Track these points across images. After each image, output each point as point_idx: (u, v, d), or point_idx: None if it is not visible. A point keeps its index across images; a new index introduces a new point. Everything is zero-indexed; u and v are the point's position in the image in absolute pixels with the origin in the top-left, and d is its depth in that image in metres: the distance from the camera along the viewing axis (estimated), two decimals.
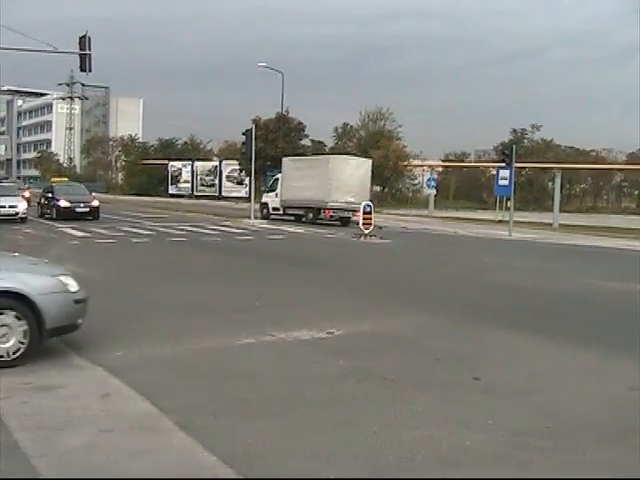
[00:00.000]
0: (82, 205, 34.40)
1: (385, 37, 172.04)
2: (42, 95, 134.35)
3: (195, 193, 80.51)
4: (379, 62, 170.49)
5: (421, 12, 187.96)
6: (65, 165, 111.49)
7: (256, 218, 37.49)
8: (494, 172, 37.43)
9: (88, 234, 25.93)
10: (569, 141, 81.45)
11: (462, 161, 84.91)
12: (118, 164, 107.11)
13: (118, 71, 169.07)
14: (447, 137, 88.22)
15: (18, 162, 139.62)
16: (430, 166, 71.37)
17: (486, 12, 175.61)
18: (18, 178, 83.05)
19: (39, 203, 37.17)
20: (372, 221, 28.70)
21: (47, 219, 33.96)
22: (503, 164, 33.47)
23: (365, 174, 36.75)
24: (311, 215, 36.21)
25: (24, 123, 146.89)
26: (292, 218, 37.51)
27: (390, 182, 71.08)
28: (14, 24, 30.60)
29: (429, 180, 55.02)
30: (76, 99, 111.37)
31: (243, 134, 41.24)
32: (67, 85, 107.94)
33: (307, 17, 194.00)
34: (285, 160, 40.47)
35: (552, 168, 47.79)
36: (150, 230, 28.82)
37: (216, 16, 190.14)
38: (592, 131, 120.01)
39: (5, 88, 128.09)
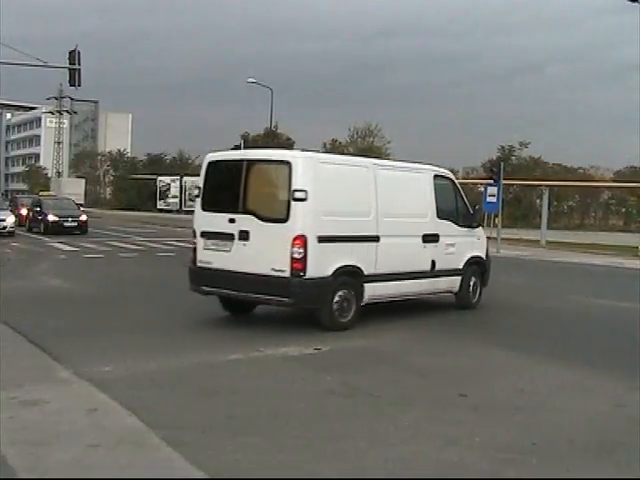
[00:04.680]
0: (70, 219, 34.38)
1: (380, 54, 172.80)
2: (31, 109, 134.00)
3: (184, 208, 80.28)
4: (371, 78, 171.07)
5: (418, 29, 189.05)
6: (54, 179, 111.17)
7: None
8: (482, 189, 37.52)
9: (76, 248, 25.89)
10: (557, 158, 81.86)
11: None
12: (106, 179, 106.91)
13: (107, 86, 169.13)
14: (435, 154, 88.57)
15: (6, 176, 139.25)
16: None
17: (483, 29, 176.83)
18: (6, 192, 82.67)
19: (27, 217, 37.10)
20: None
21: (35, 233, 33.89)
22: (491, 181, 33.60)
23: None
24: None
25: (12, 137, 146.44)
26: None
27: None
28: (3, 38, 30.64)
29: None
30: (65, 113, 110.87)
31: (232, 150, 41.27)
32: (56, 99, 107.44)
33: (304, 33, 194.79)
34: None
35: (540, 185, 47.91)
36: (138, 245, 28.80)
37: (211, 31, 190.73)
38: (579, 148, 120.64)
39: None
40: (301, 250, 10.39)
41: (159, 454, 5.44)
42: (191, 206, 78.48)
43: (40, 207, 35.75)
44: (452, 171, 15.68)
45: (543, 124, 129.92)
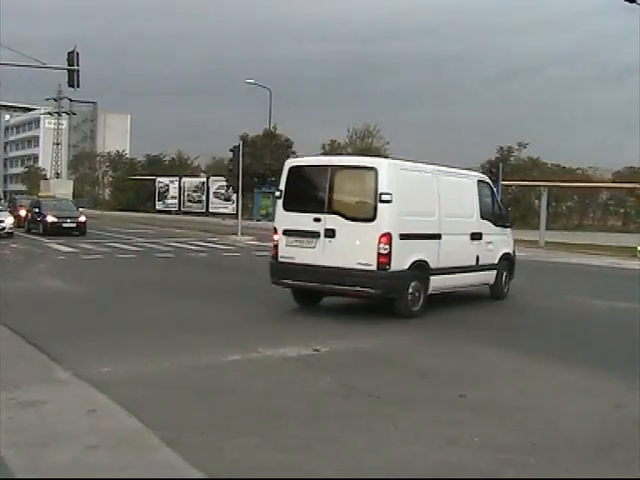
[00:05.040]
0: (69, 220, 34.38)
1: (380, 55, 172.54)
2: (30, 110, 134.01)
3: (182, 209, 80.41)
4: (372, 80, 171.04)
5: (417, 31, 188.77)
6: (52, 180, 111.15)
7: (243, 235, 37.47)
8: None
9: (75, 250, 25.88)
10: (555, 159, 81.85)
11: None
12: (105, 180, 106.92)
13: (106, 87, 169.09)
14: (435, 154, 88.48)
15: (5, 177, 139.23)
16: None
17: (483, 31, 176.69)
18: (5, 193, 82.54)
19: (26, 218, 37.11)
20: None
21: (34, 234, 33.89)
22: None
23: None
24: None
25: (11, 138, 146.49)
26: None
27: None
28: (2, 39, 30.62)
29: None
30: (64, 114, 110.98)
31: (230, 150, 41.28)
32: (55, 100, 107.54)
33: (303, 35, 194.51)
34: None
35: (538, 186, 47.89)
36: (137, 246, 28.79)
37: (210, 34, 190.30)
38: (578, 149, 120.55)
39: None
40: (386, 246, 11.76)
41: (158, 455, 5.44)
42: (190, 207, 78.93)
43: (39, 208, 35.78)
44: None
45: (542, 125, 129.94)
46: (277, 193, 13.27)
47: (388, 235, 11.78)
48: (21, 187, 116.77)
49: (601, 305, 15.70)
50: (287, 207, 12.87)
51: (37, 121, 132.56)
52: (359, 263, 11.85)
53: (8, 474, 4.94)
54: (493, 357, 9.67)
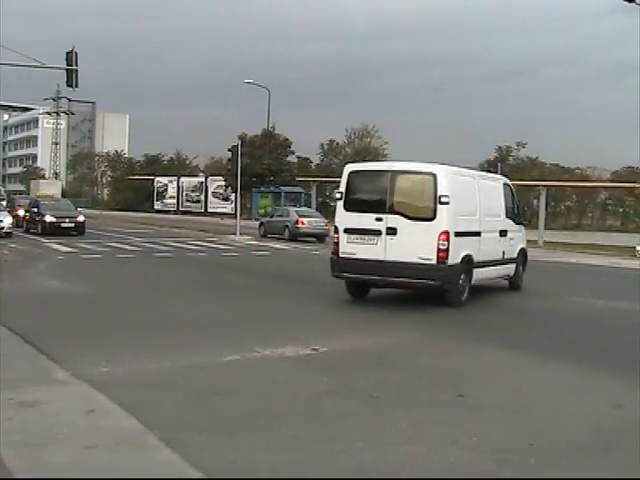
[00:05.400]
0: (68, 220, 34.35)
1: (378, 55, 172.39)
2: (28, 110, 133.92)
3: (181, 209, 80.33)
4: (370, 80, 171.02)
5: (416, 31, 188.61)
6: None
7: (241, 234, 37.47)
8: None
9: (74, 249, 25.86)
10: (554, 158, 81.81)
11: None
12: (104, 180, 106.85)
13: (105, 87, 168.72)
14: (433, 154, 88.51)
15: (3, 177, 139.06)
16: None
17: (482, 31, 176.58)
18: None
19: (24, 218, 37.09)
20: None
21: (32, 234, 33.87)
22: None
23: None
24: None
25: (10, 138, 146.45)
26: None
27: None
28: (1, 39, 30.61)
29: None
30: (62, 114, 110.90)
31: (229, 150, 41.31)
32: (53, 100, 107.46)
33: (302, 35, 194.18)
34: None
35: (537, 185, 47.93)
36: (136, 246, 28.78)
37: (209, 34, 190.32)
38: (577, 148, 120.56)
39: None
40: (445, 242, 13.25)
41: (157, 455, 5.45)
42: (188, 207, 78.89)
43: (37, 208, 35.73)
44: None
45: (541, 125, 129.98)
46: (337, 195, 14.77)
47: (446, 233, 13.27)
48: (19, 187, 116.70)
49: (600, 305, 15.70)
50: (348, 208, 14.24)
51: (36, 121, 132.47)
52: (420, 258, 13.28)
53: (7, 474, 4.94)
54: (492, 357, 9.67)
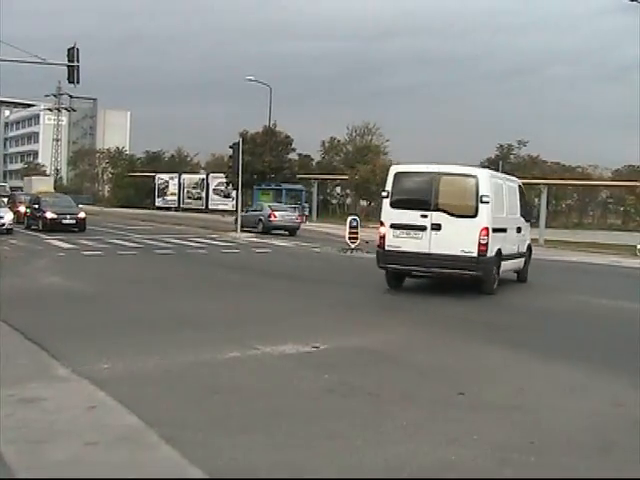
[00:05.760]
0: (69, 217, 34.32)
1: (380, 54, 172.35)
2: (29, 106, 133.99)
3: (182, 206, 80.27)
4: (371, 78, 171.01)
5: (420, 30, 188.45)
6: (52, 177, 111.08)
7: (242, 231, 37.47)
8: None
9: (74, 246, 25.84)
10: (555, 157, 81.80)
11: None
12: (105, 176, 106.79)
13: (106, 83, 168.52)
14: (435, 153, 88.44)
15: (4, 173, 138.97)
16: None
17: (483, 30, 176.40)
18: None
19: (25, 214, 37.06)
20: (358, 235, 28.74)
21: (33, 230, 33.84)
22: None
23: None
24: None
25: (11, 134, 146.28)
26: None
27: (377, 197, 71.18)
28: (2, 36, 30.60)
29: None
30: (63, 111, 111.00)
31: (230, 147, 41.29)
32: (54, 96, 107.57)
33: (304, 34, 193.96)
34: None
35: (538, 184, 47.92)
36: (137, 242, 28.77)
37: (211, 32, 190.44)
38: (577, 147, 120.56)
39: None
40: (485, 237, 14.83)
41: (158, 452, 5.44)
42: (189, 204, 78.87)
43: (38, 204, 35.69)
44: None
45: (542, 123, 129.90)
46: (384, 193, 15.89)
47: (487, 229, 14.88)
48: (20, 183, 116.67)
49: (601, 304, 15.69)
50: (394, 205, 15.59)
51: (37, 117, 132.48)
52: (462, 251, 14.85)
53: (7, 471, 4.94)
54: (493, 355, 9.67)
